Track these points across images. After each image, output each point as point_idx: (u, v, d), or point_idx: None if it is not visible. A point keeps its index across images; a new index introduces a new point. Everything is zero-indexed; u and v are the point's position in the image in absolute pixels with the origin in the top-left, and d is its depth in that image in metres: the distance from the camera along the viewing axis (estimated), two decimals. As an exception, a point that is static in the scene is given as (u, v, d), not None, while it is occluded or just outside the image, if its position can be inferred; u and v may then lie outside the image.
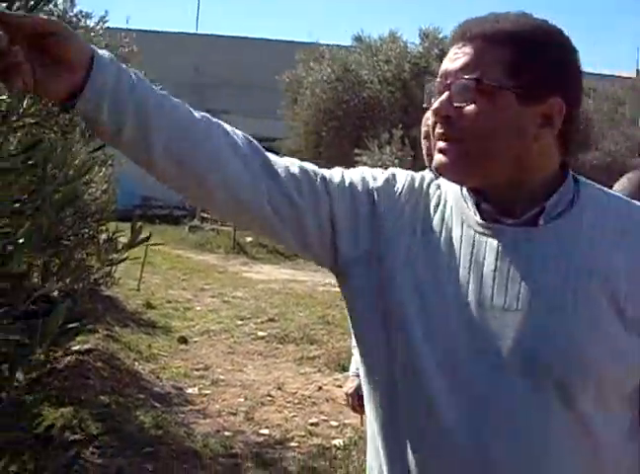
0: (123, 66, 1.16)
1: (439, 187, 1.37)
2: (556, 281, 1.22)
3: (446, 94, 1.25)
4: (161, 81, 7.80)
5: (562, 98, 1.24)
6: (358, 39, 16.02)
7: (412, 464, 1.26)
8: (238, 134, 1.30)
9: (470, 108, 1.23)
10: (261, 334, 7.90)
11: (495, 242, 1.26)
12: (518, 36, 1.24)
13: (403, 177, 1.38)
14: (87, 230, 4.16)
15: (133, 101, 1.15)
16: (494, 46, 1.24)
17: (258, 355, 7.15)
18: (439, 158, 1.27)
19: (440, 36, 15.29)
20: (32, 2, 1.18)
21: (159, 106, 1.18)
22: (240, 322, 8.46)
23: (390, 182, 1.37)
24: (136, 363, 6.34)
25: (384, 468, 1.32)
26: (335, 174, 1.38)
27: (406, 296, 1.27)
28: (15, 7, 1.16)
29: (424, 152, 2.80)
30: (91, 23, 4.99)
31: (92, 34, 4.80)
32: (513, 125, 1.24)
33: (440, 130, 1.27)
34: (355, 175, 1.38)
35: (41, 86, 1.08)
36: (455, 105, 1.24)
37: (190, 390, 5.90)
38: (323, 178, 1.34)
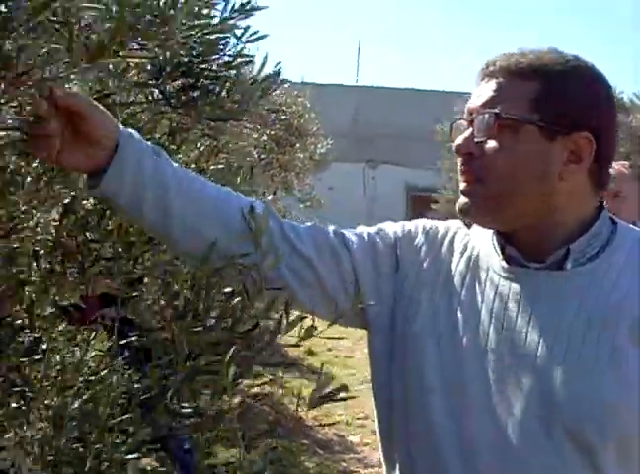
0: (147, 146, 1.19)
1: (467, 234, 1.34)
2: (578, 329, 1.16)
3: (469, 130, 1.22)
4: (324, 132, 8.03)
5: (591, 133, 1.18)
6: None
7: None
8: (255, 202, 1.27)
9: (491, 144, 1.19)
10: (420, 385, 7.86)
11: (518, 287, 1.22)
12: (543, 69, 1.20)
13: (425, 229, 1.36)
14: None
15: (154, 182, 1.17)
16: (518, 81, 1.20)
17: (418, 406, 7.10)
18: (462, 201, 1.23)
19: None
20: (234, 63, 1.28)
21: (178, 183, 1.19)
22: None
23: (412, 234, 1.35)
24: (300, 409, 6.46)
25: None
26: (356, 233, 1.36)
27: (426, 349, 1.25)
28: (214, 67, 1.25)
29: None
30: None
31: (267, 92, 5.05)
32: (536, 162, 1.19)
33: (463, 169, 1.23)
34: (377, 232, 1.37)
35: (65, 159, 1.13)
36: (476, 140, 1.20)
37: (351, 438, 5.96)
38: (343, 239, 1.33)
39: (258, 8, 1.25)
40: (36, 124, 1.08)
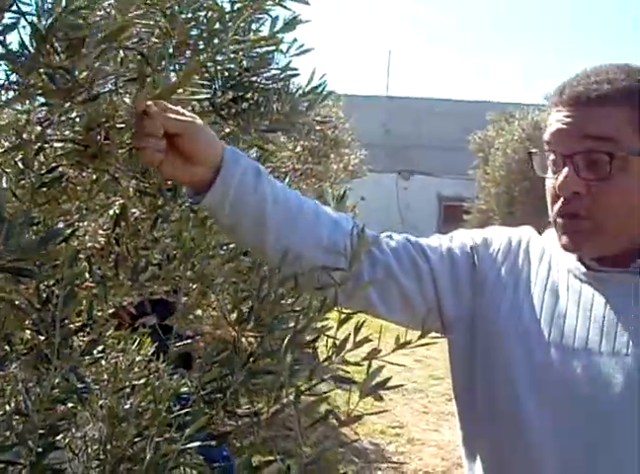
0: (248, 163, 1.22)
1: (540, 239, 1.38)
2: None
3: (570, 169, 1.20)
4: (358, 143, 8.06)
5: None
6: (548, 97, 15.86)
7: None
8: (339, 216, 1.32)
9: (604, 183, 1.18)
10: (454, 395, 7.86)
11: (602, 290, 1.25)
12: (632, 93, 1.19)
13: (500, 235, 1.39)
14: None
15: (253, 201, 1.21)
16: (611, 108, 1.19)
17: (452, 416, 7.07)
18: (568, 239, 1.25)
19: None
20: (282, 76, 1.32)
21: (275, 202, 1.23)
22: (433, 382, 8.44)
23: (488, 241, 1.38)
24: (334, 420, 6.50)
25: None
26: (432, 240, 1.40)
27: (512, 350, 1.27)
28: (263, 80, 1.29)
29: None
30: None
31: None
32: None
33: (565, 208, 1.23)
34: (452, 238, 1.41)
35: (168, 171, 1.17)
36: (583, 177, 1.19)
37: (387, 447, 5.98)
38: (420, 246, 1.37)
39: (301, 21, 1.29)
40: (137, 137, 1.13)
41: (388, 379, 1.00)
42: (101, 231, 1.51)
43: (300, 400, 0.95)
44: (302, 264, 1.22)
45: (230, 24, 1.16)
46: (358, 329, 1.08)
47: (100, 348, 1.32)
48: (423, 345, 1.12)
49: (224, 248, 1.43)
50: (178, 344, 1.45)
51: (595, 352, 1.22)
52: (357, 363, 1.09)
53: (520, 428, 1.25)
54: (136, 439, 1.00)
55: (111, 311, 1.50)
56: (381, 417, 6.85)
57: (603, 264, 1.27)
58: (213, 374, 1.07)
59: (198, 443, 0.98)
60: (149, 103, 1.12)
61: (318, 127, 5.60)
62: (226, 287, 1.37)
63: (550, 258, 1.34)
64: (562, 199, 1.23)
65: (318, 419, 0.98)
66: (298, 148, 5.32)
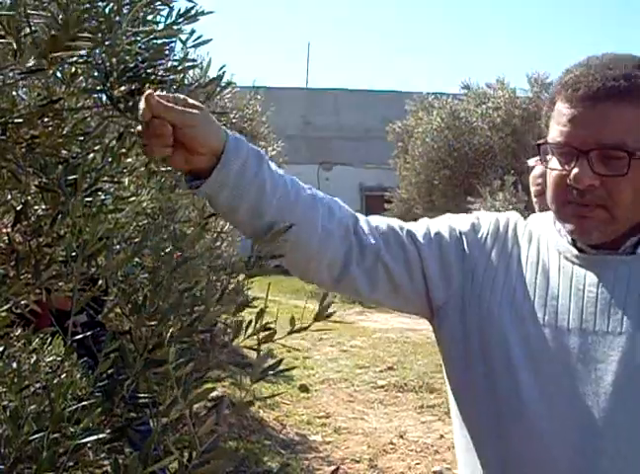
0: (251, 148, 1.24)
1: (526, 224, 1.42)
2: None
3: (585, 163, 1.23)
4: (275, 135, 8.06)
5: None
6: (466, 86, 16.09)
7: None
8: (332, 202, 1.37)
9: (619, 178, 1.22)
10: (380, 382, 7.93)
11: (594, 271, 1.29)
12: None
13: (488, 220, 1.43)
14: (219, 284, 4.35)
15: (254, 188, 1.23)
16: (633, 106, 1.21)
17: (378, 403, 7.18)
18: (578, 226, 1.28)
19: (548, 80, 15.24)
20: (180, 67, 1.30)
21: (274, 189, 1.25)
22: (359, 371, 8.53)
23: (476, 226, 1.42)
24: (261, 411, 6.51)
25: None
26: (421, 225, 1.43)
27: (507, 328, 1.30)
28: (160, 72, 1.29)
29: (536, 209, 2.86)
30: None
31: (218, 97, 5.10)
32: None
33: (578, 198, 1.26)
34: (440, 224, 1.43)
35: (180, 165, 1.19)
36: (597, 171, 1.22)
37: (313, 437, 6.01)
38: (409, 231, 1.40)
39: (203, 13, 1.28)
40: (145, 128, 1.13)
41: (279, 362, 1.00)
42: (4, 229, 1.48)
43: (190, 388, 0.94)
44: (297, 249, 1.27)
45: (126, 15, 1.14)
46: (259, 315, 1.08)
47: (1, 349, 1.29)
48: (321, 330, 1.14)
49: (128, 242, 1.41)
50: (78, 336, 1.41)
51: (589, 331, 1.26)
52: (252, 348, 1.10)
53: (520, 400, 1.28)
54: (33, 438, 0.98)
55: (19, 311, 1.47)
56: (308, 407, 6.89)
57: (595, 247, 1.31)
58: (106, 365, 1.06)
59: (94, 437, 0.97)
60: (149, 91, 1.12)
61: (234, 120, 5.57)
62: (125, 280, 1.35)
63: (539, 241, 1.38)
64: (574, 192, 1.25)
65: (210, 408, 0.97)
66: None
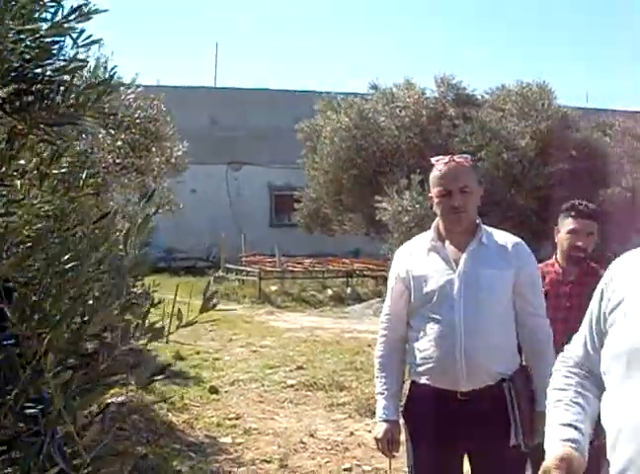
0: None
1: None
2: None
3: None
4: (181, 135, 7.97)
5: None
6: (374, 87, 16.28)
7: None
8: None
9: None
10: (290, 382, 7.95)
11: None
12: None
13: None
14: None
15: None
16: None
17: (288, 402, 7.20)
18: None
19: (454, 81, 15.58)
20: (69, 68, 1.27)
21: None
22: (269, 371, 8.53)
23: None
24: (170, 414, 6.43)
25: None
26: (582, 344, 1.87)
27: None
28: (48, 72, 1.26)
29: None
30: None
31: (122, 97, 5.01)
32: None
33: None
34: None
35: None
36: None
37: (223, 439, 5.97)
38: (588, 366, 1.85)
39: (97, 11, 1.25)
40: None
41: (166, 367, 0.99)
42: None
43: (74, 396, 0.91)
44: None
45: (9, 11, 1.10)
46: (146, 313, 1.07)
47: None
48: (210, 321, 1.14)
49: (20, 247, 1.37)
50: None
51: None
52: (144, 345, 1.09)
53: None
54: None
55: None
56: (217, 409, 6.84)
57: None
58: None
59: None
60: None
61: (138, 121, 5.49)
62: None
63: None
64: None
65: (99, 412, 0.95)
66: (119, 142, 5.20)
